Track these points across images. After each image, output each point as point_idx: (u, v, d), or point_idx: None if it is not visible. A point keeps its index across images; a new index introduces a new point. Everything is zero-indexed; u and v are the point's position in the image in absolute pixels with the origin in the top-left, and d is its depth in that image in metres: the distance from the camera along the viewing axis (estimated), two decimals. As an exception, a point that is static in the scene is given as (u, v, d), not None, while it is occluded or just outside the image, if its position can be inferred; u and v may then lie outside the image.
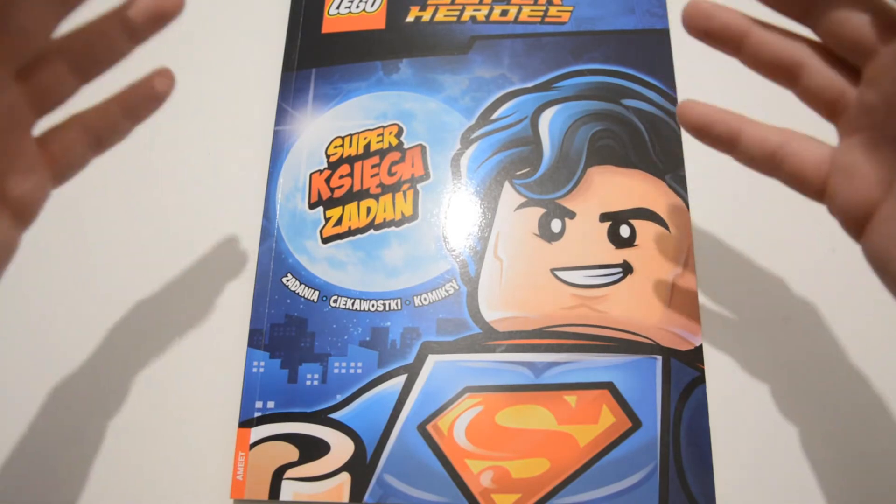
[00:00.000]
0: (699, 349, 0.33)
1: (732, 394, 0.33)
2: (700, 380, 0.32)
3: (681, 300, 0.33)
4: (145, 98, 0.28)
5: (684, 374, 0.32)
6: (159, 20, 0.27)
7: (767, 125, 0.26)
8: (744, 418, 0.32)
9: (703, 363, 0.32)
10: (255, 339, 0.35)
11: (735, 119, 0.27)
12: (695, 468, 0.30)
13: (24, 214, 0.25)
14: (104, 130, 0.27)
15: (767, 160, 0.26)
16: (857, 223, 0.24)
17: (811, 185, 0.25)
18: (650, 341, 0.33)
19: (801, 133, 0.26)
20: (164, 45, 0.43)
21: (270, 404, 0.33)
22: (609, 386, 0.32)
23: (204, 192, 0.39)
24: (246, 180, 0.39)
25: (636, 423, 0.31)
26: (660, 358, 0.32)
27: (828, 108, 0.25)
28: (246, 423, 0.33)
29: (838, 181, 0.24)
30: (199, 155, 0.40)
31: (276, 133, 0.39)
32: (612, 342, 0.33)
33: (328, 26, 0.42)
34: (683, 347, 0.33)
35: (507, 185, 0.37)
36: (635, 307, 0.33)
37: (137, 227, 0.39)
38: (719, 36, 0.26)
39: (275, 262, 0.36)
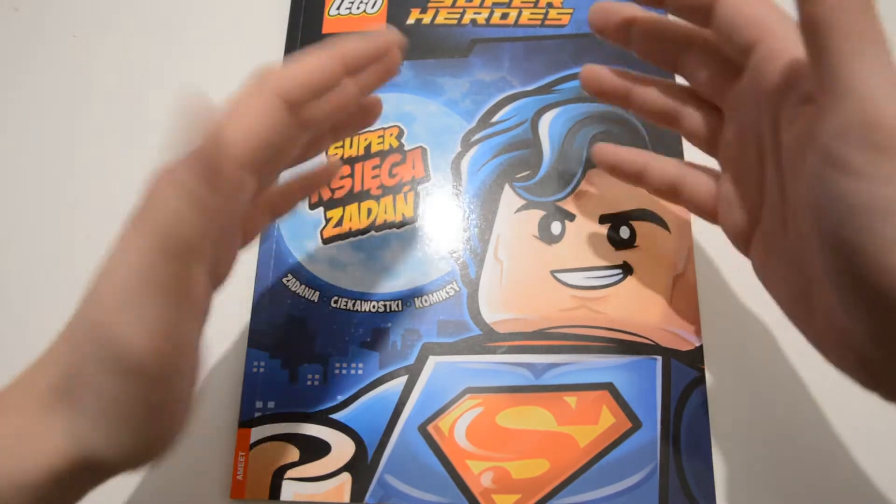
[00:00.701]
0: (699, 349, 0.33)
1: (732, 394, 0.33)
2: (700, 380, 0.33)
3: (681, 301, 0.34)
4: (320, 183, 0.33)
5: (684, 374, 0.33)
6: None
7: (669, 159, 0.30)
8: (744, 418, 0.33)
9: (703, 363, 0.33)
10: (255, 340, 0.35)
11: (641, 157, 0.31)
12: (695, 468, 0.31)
13: (221, 281, 0.27)
14: (282, 209, 0.32)
15: (670, 191, 0.30)
16: (741, 243, 0.27)
17: (706, 212, 0.28)
18: (650, 342, 0.33)
19: (696, 165, 0.29)
20: (165, 42, 0.43)
21: (271, 404, 0.33)
22: (609, 387, 0.33)
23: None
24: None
25: (636, 424, 0.32)
26: (660, 358, 0.33)
27: (706, 145, 0.28)
28: (246, 423, 0.33)
29: (722, 208, 0.27)
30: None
31: (276, 133, 0.39)
32: (611, 343, 0.33)
33: (329, 27, 0.42)
34: (684, 348, 0.33)
35: (507, 187, 0.37)
36: (635, 308, 0.34)
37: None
38: (610, 95, 0.31)
39: (275, 263, 0.36)
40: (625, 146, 0.32)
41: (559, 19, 0.41)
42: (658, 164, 0.30)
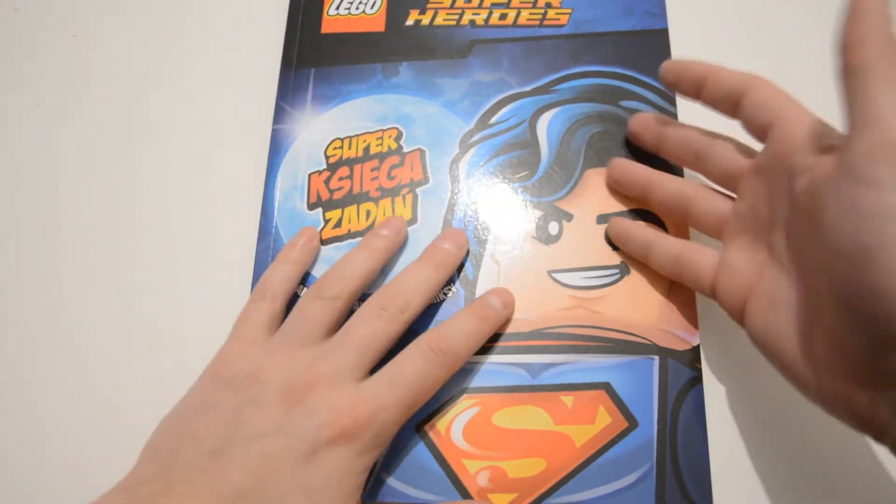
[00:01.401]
0: (696, 349, 0.33)
1: (730, 394, 0.33)
2: (697, 380, 0.33)
3: (678, 300, 0.34)
4: None
5: (682, 374, 0.33)
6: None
7: (673, 239, 0.33)
8: (741, 418, 0.33)
9: (700, 363, 0.33)
10: (254, 339, 0.35)
11: (647, 234, 0.34)
12: (692, 468, 0.31)
13: None
14: None
15: (674, 269, 0.33)
16: (737, 310, 0.30)
17: (704, 286, 0.31)
18: (647, 341, 0.34)
19: (696, 244, 0.33)
20: (165, 42, 0.43)
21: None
22: (606, 386, 0.33)
23: (201, 188, 0.39)
24: (243, 177, 0.39)
25: (633, 424, 0.32)
26: (657, 358, 0.33)
27: (714, 229, 0.32)
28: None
29: (722, 278, 0.30)
30: (197, 150, 0.41)
31: (274, 131, 0.39)
32: (608, 343, 0.34)
33: (327, 26, 0.42)
34: (681, 347, 0.33)
35: (505, 188, 0.37)
36: (632, 308, 0.34)
37: (135, 222, 0.39)
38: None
39: (272, 261, 0.36)
40: (632, 240, 0.35)
41: (558, 19, 0.41)
42: (663, 242, 0.33)
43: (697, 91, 0.32)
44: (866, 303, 0.22)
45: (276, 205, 0.38)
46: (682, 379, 0.33)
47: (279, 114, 0.40)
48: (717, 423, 0.32)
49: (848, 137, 0.24)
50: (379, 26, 0.42)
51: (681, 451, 0.31)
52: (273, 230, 0.37)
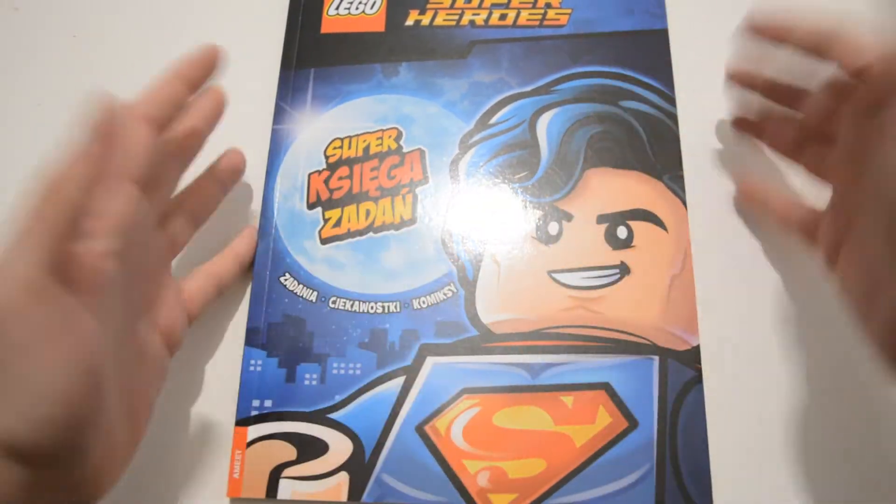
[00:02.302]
0: (696, 349, 0.33)
1: (730, 393, 0.33)
2: (697, 379, 0.33)
3: (678, 300, 0.34)
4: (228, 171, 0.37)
5: (681, 374, 0.33)
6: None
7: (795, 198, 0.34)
8: (741, 418, 0.33)
9: (700, 363, 0.33)
10: (252, 338, 0.35)
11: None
12: (691, 468, 0.31)
13: (172, 343, 0.31)
14: (201, 211, 0.35)
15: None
16: (832, 256, 0.30)
17: (807, 233, 0.32)
18: (647, 341, 0.33)
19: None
20: (165, 43, 0.43)
21: (268, 403, 0.34)
22: (606, 386, 0.33)
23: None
24: (243, 177, 0.39)
25: (633, 424, 0.32)
26: (657, 358, 0.33)
27: (822, 172, 0.33)
28: (243, 421, 0.33)
29: (825, 223, 0.31)
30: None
31: (274, 131, 0.39)
32: (608, 343, 0.34)
33: (327, 26, 0.42)
34: (681, 347, 0.33)
35: (505, 188, 0.37)
36: (632, 308, 0.34)
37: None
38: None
39: (273, 261, 0.36)
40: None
41: (558, 19, 0.41)
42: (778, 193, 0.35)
43: (787, 34, 0.31)
44: None
45: (276, 205, 0.38)
46: (683, 379, 0.33)
47: (279, 114, 0.40)
48: (717, 423, 0.32)
49: None
50: (379, 26, 0.42)
51: (681, 451, 0.31)
52: (273, 230, 0.37)
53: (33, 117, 0.42)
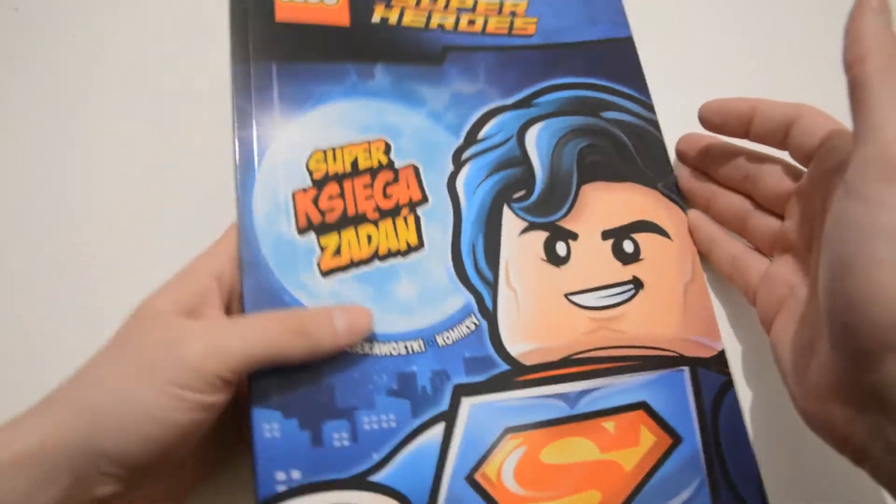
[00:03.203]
0: (722, 354, 0.34)
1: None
2: (729, 384, 0.34)
3: (695, 307, 0.35)
4: None
5: (713, 380, 0.34)
6: None
7: (735, 242, 0.35)
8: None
9: (727, 367, 0.34)
10: (260, 397, 0.28)
11: (713, 231, 0.36)
12: (742, 474, 0.32)
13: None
14: None
15: (729, 270, 0.35)
16: (767, 321, 0.32)
17: (749, 293, 0.33)
18: (674, 353, 0.34)
19: (754, 252, 0.34)
20: (165, 42, 0.37)
21: (295, 474, 0.28)
22: (643, 406, 0.33)
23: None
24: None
25: (676, 439, 0.33)
26: (686, 369, 0.34)
27: (766, 245, 0.34)
28: (269, 500, 0.27)
29: (762, 288, 0.32)
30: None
31: (240, 139, 0.32)
32: (637, 361, 0.34)
33: (282, 13, 0.35)
34: (707, 354, 0.34)
35: (506, 209, 0.35)
36: (652, 322, 0.34)
37: (136, 231, 0.29)
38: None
39: (268, 301, 0.30)
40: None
41: (525, 28, 0.40)
42: (725, 244, 0.35)
43: (745, 128, 0.33)
44: (845, 314, 0.23)
45: (258, 231, 0.31)
46: (715, 385, 0.34)
47: (241, 117, 0.33)
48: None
49: (852, 152, 0.24)
50: (342, 20, 0.37)
51: (728, 459, 0.32)
52: (260, 261, 0.31)
53: (33, 117, 0.39)
